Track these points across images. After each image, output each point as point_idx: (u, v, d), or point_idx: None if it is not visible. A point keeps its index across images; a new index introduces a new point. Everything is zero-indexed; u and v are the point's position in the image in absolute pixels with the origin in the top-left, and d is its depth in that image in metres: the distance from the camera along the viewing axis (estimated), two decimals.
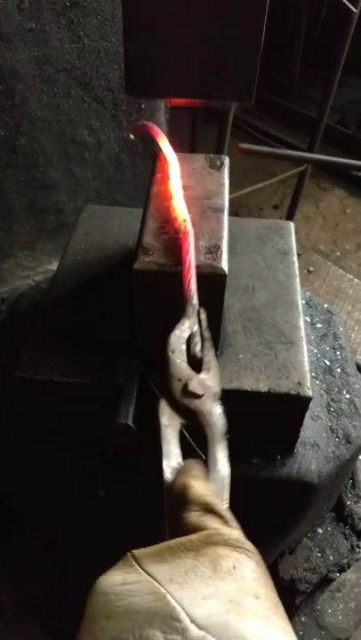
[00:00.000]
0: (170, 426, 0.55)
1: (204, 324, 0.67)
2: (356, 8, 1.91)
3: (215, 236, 0.79)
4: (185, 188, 0.87)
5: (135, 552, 0.36)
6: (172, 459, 0.51)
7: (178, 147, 0.94)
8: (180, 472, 0.48)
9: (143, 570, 0.34)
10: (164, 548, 0.36)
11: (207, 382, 0.59)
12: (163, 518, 0.47)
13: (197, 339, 0.65)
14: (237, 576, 0.34)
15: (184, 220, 0.77)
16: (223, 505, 0.43)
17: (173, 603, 0.31)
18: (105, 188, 1.74)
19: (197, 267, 0.74)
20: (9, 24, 1.30)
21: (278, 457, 0.90)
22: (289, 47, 3.78)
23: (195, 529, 0.39)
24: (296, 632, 1.12)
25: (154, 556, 0.36)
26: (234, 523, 0.41)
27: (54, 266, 1.21)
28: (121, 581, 0.34)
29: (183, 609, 0.30)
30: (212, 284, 0.75)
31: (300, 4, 3.43)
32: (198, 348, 0.64)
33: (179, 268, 0.74)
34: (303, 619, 1.13)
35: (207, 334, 0.66)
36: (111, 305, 0.95)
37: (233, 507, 0.48)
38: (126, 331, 0.88)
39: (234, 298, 0.97)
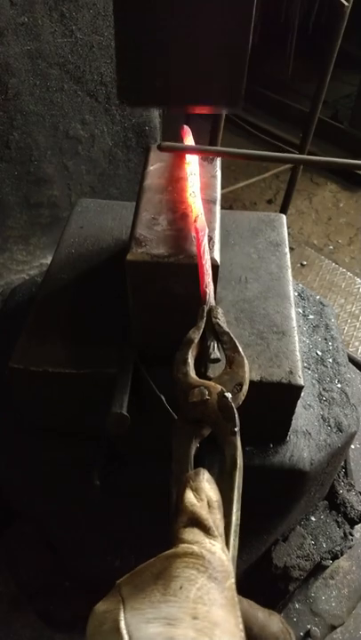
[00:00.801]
0: (181, 443, 0.55)
1: (220, 320, 0.67)
2: (348, 2, 1.91)
3: (208, 227, 0.80)
4: (178, 180, 0.88)
5: (120, 580, 0.40)
6: (179, 475, 0.52)
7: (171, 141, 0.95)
8: (181, 483, 0.49)
9: (121, 597, 0.38)
10: (137, 573, 0.40)
11: (224, 380, 0.59)
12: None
13: (210, 340, 0.65)
14: (181, 597, 0.36)
15: (197, 215, 0.78)
16: (210, 514, 0.45)
17: (123, 629, 0.34)
18: (99, 183, 1.74)
19: (190, 257, 0.75)
20: (1, 18, 1.30)
21: (271, 445, 0.91)
22: (282, 41, 3.77)
23: (177, 541, 0.42)
24: (290, 619, 1.14)
25: (131, 582, 0.39)
26: (216, 532, 0.43)
27: (49, 260, 1.21)
28: (104, 609, 0.38)
29: (129, 634, 0.34)
30: None
31: None
32: (213, 349, 0.64)
33: (172, 259, 0.76)
34: (297, 605, 1.15)
35: (223, 329, 0.66)
36: (105, 296, 0.96)
37: None
38: (120, 321, 0.89)
39: (227, 289, 0.98)
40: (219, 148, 0.84)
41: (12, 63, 1.36)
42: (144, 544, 0.99)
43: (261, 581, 1.05)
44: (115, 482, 0.92)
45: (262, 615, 0.50)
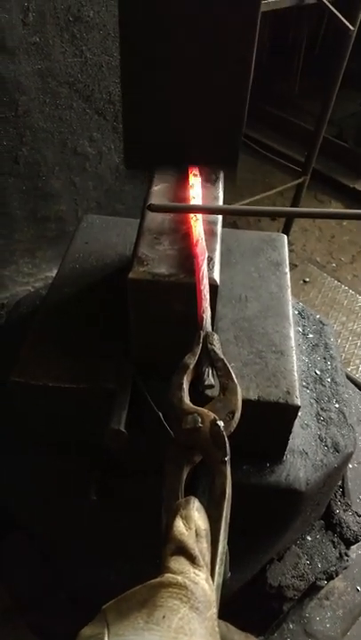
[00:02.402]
0: (173, 469, 0.57)
1: (216, 347, 0.68)
2: (353, 26, 1.95)
3: (209, 248, 0.81)
4: (181, 200, 0.90)
5: (105, 606, 0.42)
6: (170, 501, 0.54)
7: None
8: (171, 510, 0.51)
9: (107, 623, 0.40)
10: (123, 600, 0.42)
11: (217, 407, 0.60)
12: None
13: (205, 367, 0.66)
14: (164, 626, 0.38)
15: (197, 240, 0.79)
16: (197, 544, 0.46)
17: None
18: (105, 198, 1.77)
19: (190, 277, 0.76)
20: (13, 37, 1.34)
21: (267, 464, 0.92)
22: (289, 60, 3.83)
23: (164, 569, 0.44)
24: (284, 639, 1.14)
25: (117, 608, 0.41)
26: (202, 561, 0.45)
27: (54, 273, 1.23)
28: (89, 634, 0.40)
29: None
30: None
31: (301, 18, 3.49)
32: (207, 375, 0.65)
33: (172, 278, 0.77)
34: (291, 626, 1.14)
35: (218, 356, 0.67)
36: (107, 312, 0.97)
37: None
38: (121, 337, 0.90)
39: (227, 308, 0.99)
40: (212, 206, 0.87)
41: (23, 81, 1.40)
42: (139, 558, 0.99)
43: (255, 601, 1.05)
44: (112, 495, 0.92)
45: (238, 638, 0.51)
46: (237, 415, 0.60)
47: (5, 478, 1.04)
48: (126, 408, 0.80)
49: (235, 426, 0.60)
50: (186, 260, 0.80)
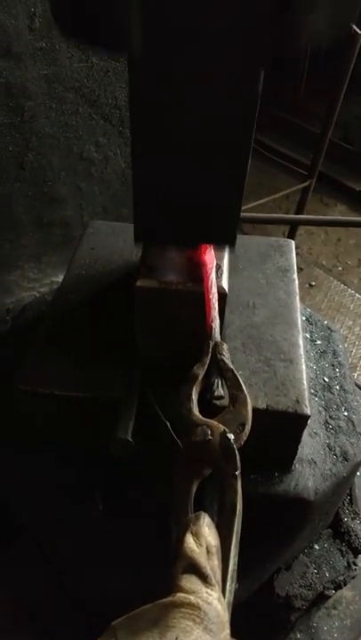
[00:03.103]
0: (182, 482, 0.56)
1: (225, 357, 0.67)
2: (360, 29, 1.94)
3: (217, 255, 0.81)
4: None
5: (115, 623, 0.41)
6: (180, 516, 0.53)
7: None
8: (182, 526, 0.50)
9: None
10: (133, 617, 0.41)
11: (227, 418, 0.59)
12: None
13: (214, 377, 0.65)
14: None
15: (206, 247, 0.79)
16: (209, 561, 0.46)
17: None
18: (111, 203, 1.77)
19: (198, 285, 0.76)
20: (20, 43, 1.34)
21: (276, 473, 0.91)
22: (295, 63, 3.83)
23: (175, 588, 0.43)
24: None
25: (127, 626, 0.41)
26: (214, 580, 0.44)
27: (60, 278, 1.23)
28: None
29: None
30: None
31: None
32: (217, 386, 0.65)
33: (180, 286, 0.77)
34: (298, 635, 1.13)
35: (227, 366, 0.66)
36: (113, 319, 0.97)
37: None
38: (128, 345, 0.90)
39: (234, 314, 0.98)
40: None
41: (29, 86, 1.40)
42: (144, 566, 0.99)
43: (263, 611, 1.04)
44: (117, 502, 0.92)
45: None
46: (248, 427, 0.59)
47: (10, 483, 1.04)
48: (133, 417, 0.80)
49: (245, 438, 0.59)
50: (194, 267, 0.79)
